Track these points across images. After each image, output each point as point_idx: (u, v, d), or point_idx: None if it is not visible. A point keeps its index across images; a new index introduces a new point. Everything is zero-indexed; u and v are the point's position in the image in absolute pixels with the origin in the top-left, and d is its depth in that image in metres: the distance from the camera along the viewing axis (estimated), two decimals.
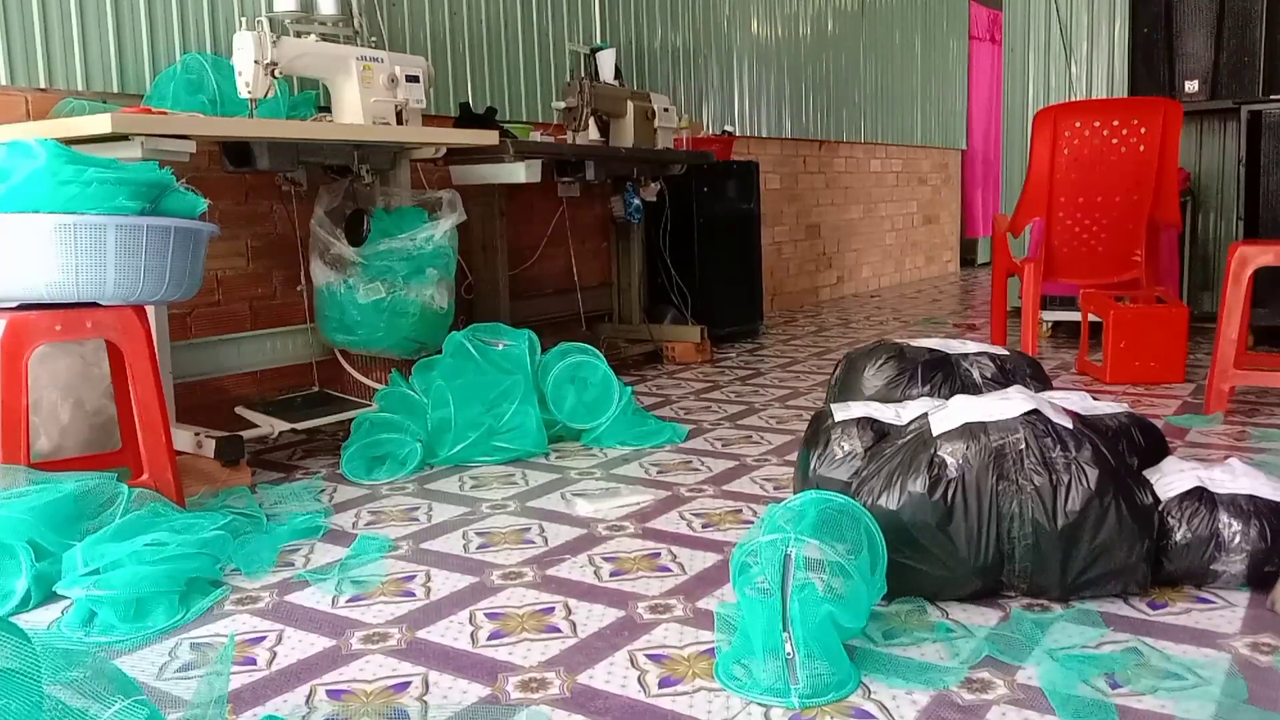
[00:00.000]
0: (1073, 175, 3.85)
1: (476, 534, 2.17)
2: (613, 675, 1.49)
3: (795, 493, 1.93)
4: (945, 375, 2.32)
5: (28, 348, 2.07)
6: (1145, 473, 1.82)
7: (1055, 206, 3.87)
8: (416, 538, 2.16)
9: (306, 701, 1.45)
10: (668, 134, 4.33)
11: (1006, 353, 2.39)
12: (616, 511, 2.30)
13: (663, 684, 1.47)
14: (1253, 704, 1.35)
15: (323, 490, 2.55)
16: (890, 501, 1.69)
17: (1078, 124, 3.83)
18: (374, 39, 3.37)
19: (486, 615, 1.74)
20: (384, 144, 2.98)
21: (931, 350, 2.38)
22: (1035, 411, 1.74)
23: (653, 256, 4.69)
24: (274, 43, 2.68)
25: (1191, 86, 4.60)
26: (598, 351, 3.06)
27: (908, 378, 2.33)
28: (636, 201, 4.31)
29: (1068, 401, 1.98)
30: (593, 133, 4.10)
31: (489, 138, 3.14)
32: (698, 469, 2.64)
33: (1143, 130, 3.76)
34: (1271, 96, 4.27)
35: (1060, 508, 1.65)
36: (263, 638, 1.68)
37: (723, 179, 4.83)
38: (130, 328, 2.18)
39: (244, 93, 2.71)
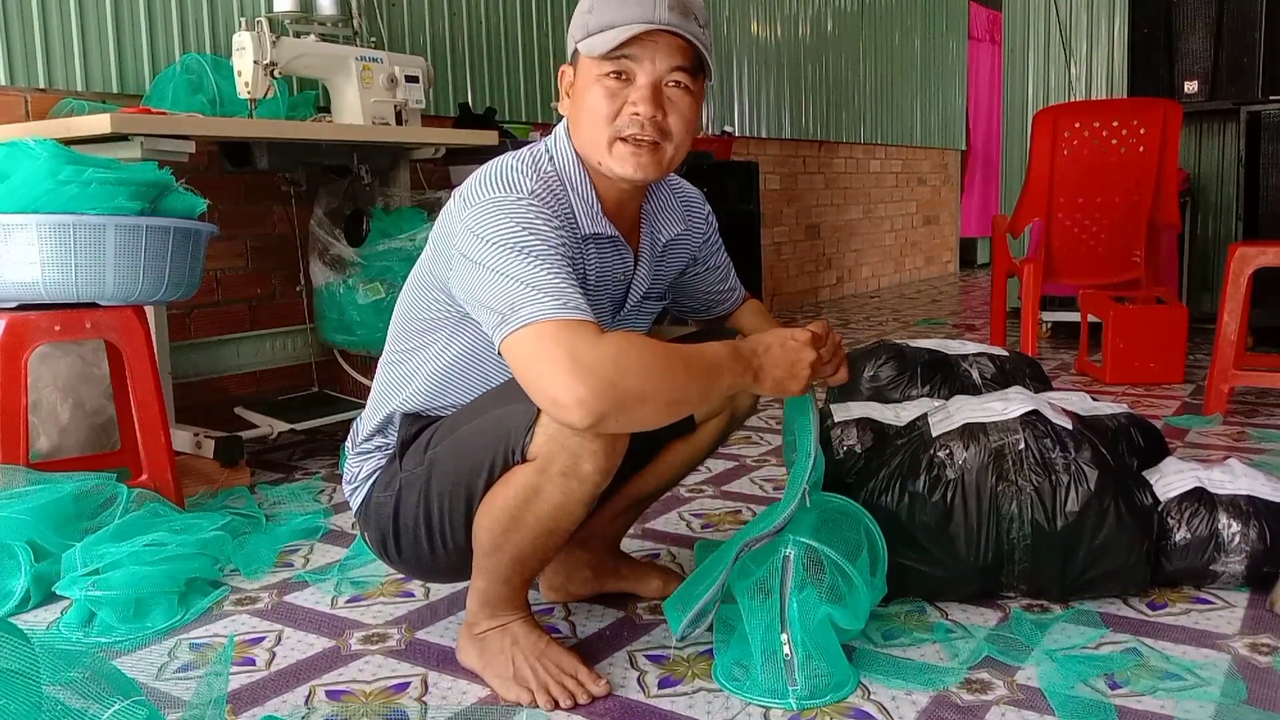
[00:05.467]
0: (1072, 176, 3.84)
1: None
2: (612, 676, 1.49)
3: None
4: (945, 376, 2.32)
5: (27, 348, 2.07)
6: (1145, 473, 1.82)
7: (1055, 207, 3.87)
8: None
9: (306, 702, 1.45)
10: None
11: (1006, 353, 2.39)
12: None
13: (662, 684, 1.47)
14: (1252, 704, 1.35)
15: (322, 490, 2.55)
16: (890, 502, 1.69)
17: (1077, 124, 3.83)
18: (373, 39, 3.37)
19: None
20: (383, 144, 2.98)
21: (931, 351, 2.38)
22: (1035, 412, 1.74)
23: None
24: (273, 43, 2.68)
25: (1191, 87, 4.60)
26: None
27: (907, 378, 2.33)
28: None
29: (1067, 402, 1.97)
30: None
31: (489, 138, 3.14)
32: (697, 470, 2.64)
33: (1142, 131, 3.76)
34: (1271, 97, 4.27)
35: (1060, 509, 1.65)
36: (262, 638, 1.68)
37: (722, 179, 4.83)
38: (129, 328, 2.18)
39: (243, 93, 2.71)
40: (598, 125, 1.38)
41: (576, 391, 1.19)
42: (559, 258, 1.29)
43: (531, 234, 1.30)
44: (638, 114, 1.36)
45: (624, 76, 1.36)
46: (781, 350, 1.35)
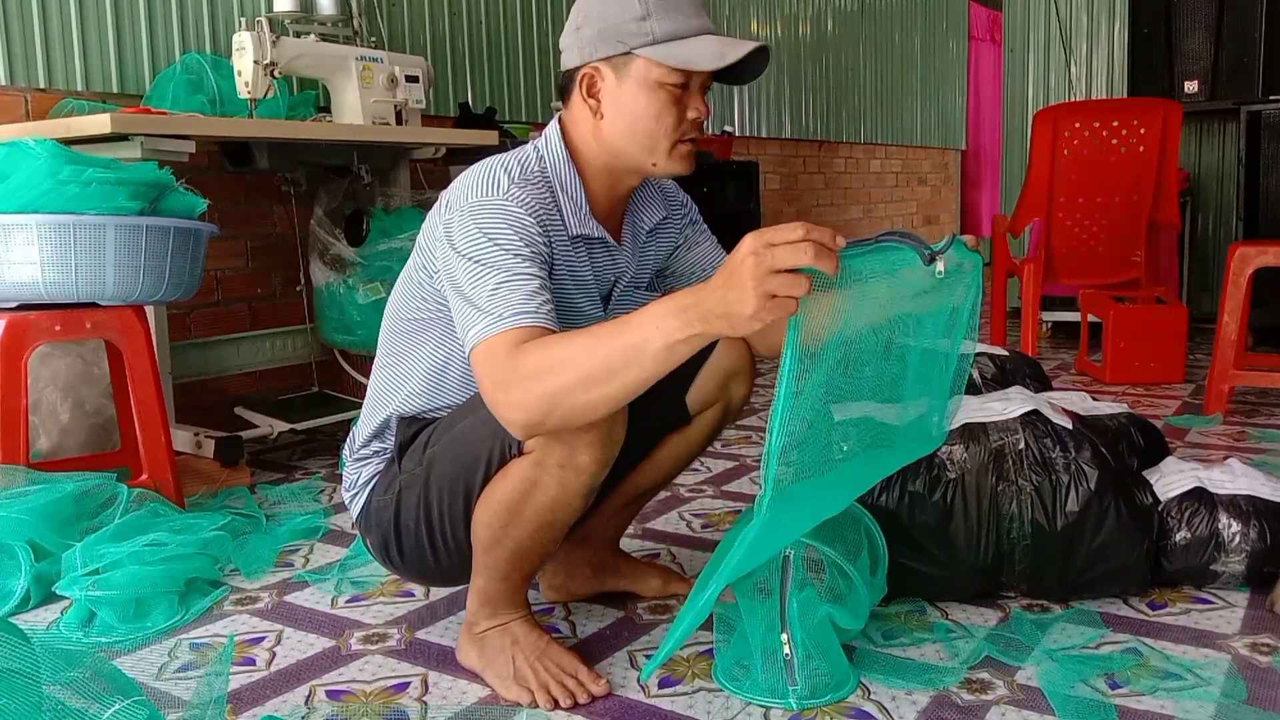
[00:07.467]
0: (1072, 175, 3.85)
1: None
2: (612, 675, 1.49)
3: None
4: None
5: (27, 348, 2.07)
6: (1145, 473, 1.82)
7: (1055, 207, 3.87)
8: None
9: (306, 702, 1.45)
10: None
11: (1006, 353, 2.39)
12: None
13: (662, 684, 1.47)
14: (1252, 704, 1.35)
15: (322, 490, 2.55)
16: (890, 502, 1.69)
17: (1077, 124, 3.83)
18: (374, 39, 3.37)
19: None
20: (384, 144, 2.98)
21: None
22: (1035, 412, 1.74)
23: None
24: (273, 43, 2.68)
25: (1191, 87, 4.60)
26: None
27: None
28: None
29: (1067, 402, 1.97)
30: None
31: (489, 138, 3.14)
32: (697, 469, 2.64)
33: (1142, 131, 3.76)
34: (1271, 97, 4.27)
35: (1060, 508, 1.65)
36: (262, 638, 1.68)
37: (722, 179, 4.82)
38: (129, 328, 2.18)
39: (244, 93, 2.71)
40: (661, 130, 1.40)
41: (505, 410, 1.23)
42: (518, 260, 1.30)
43: (492, 241, 1.31)
44: (697, 117, 1.41)
45: (684, 84, 1.39)
46: (718, 275, 1.08)
